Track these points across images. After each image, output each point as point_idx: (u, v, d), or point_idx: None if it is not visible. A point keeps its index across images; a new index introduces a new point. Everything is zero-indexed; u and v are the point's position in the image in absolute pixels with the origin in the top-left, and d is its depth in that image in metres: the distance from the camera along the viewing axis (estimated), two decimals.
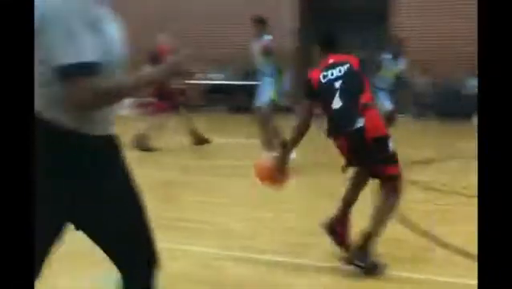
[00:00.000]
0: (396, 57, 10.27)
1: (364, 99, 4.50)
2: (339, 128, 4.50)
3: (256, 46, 9.08)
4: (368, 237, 4.42)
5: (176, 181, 8.27)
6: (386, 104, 10.04)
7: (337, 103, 4.51)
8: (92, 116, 2.39)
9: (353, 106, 4.47)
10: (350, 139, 4.45)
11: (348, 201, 4.76)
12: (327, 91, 4.57)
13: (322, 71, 4.66)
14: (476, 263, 2.06)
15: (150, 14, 17.93)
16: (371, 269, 4.41)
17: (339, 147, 4.59)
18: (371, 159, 4.45)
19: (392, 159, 4.49)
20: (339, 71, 4.60)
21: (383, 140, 4.46)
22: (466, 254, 4.77)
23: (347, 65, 4.64)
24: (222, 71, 18.08)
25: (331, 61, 4.70)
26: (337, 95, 4.52)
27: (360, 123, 4.39)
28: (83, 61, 2.26)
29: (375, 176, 4.55)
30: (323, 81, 4.61)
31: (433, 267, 4.67)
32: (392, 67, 10.26)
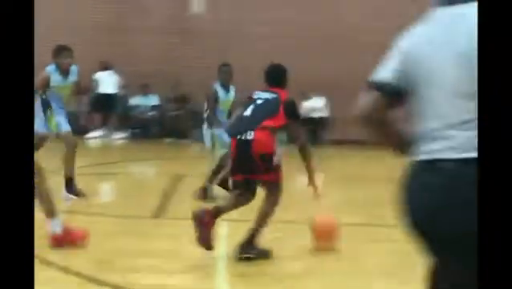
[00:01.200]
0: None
1: (269, 123, 5.46)
2: (235, 130, 5.57)
3: None
4: (253, 232, 5.40)
5: None
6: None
7: (247, 113, 5.59)
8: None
9: (255, 121, 5.48)
10: (238, 144, 5.46)
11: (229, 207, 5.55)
12: (248, 103, 5.68)
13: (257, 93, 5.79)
14: None
15: None
16: (261, 256, 5.39)
17: (231, 149, 5.59)
18: (253, 169, 5.42)
19: (274, 169, 5.46)
20: (266, 96, 5.66)
21: (268, 157, 5.42)
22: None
23: (276, 95, 5.62)
24: None
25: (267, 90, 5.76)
26: (251, 107, 5.59)
27: (251, 136, 5.40)
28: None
29: (256, 182, 5.52)
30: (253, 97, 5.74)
31: None
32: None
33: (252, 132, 5.42)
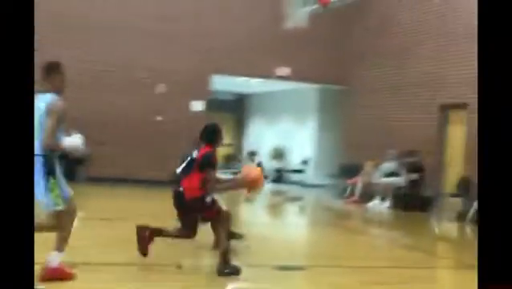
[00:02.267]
0: None
1: (185, 184, 6.79)
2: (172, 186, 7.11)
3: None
4: (223, 253, 6.60)
5: None
6: None
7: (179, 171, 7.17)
8: None
9: (183, 177, 6.88)
10: (174, 196, 6.88)
11: (169, 233, 7.07)
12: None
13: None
14: None
15: None
16: (234, 271, 6.56)
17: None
18: (191, 211, 6.85)
19: (210, 207, 6.74)
20: (193, 156, 6.93)
21: (198, 199, 6.71)
22: None
23: (194, 156, 6.91)
24: None
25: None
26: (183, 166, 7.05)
27: (181, 188, 6.80)
28: None
29: (203, 220, 7.11)
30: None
31: None
32: None
33: (182, 186, 6.79)
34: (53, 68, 5.81)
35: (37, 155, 5.46)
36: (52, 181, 5.58)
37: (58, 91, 5.74)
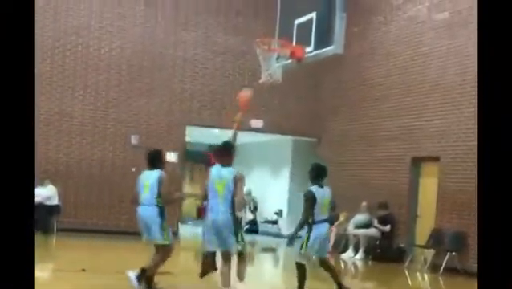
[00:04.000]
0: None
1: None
2: None
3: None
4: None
5: None
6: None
7: None
8: None
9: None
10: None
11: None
12: None
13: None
14: None
15: None
16: None
17: None
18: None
19: None
20: None
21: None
22: None
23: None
24: None
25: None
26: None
27: None
28: None
29: None
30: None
31: None
32: None
33: None
34: (229, 149, 8.00)
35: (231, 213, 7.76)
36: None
37: (231, 164, 7.84)
